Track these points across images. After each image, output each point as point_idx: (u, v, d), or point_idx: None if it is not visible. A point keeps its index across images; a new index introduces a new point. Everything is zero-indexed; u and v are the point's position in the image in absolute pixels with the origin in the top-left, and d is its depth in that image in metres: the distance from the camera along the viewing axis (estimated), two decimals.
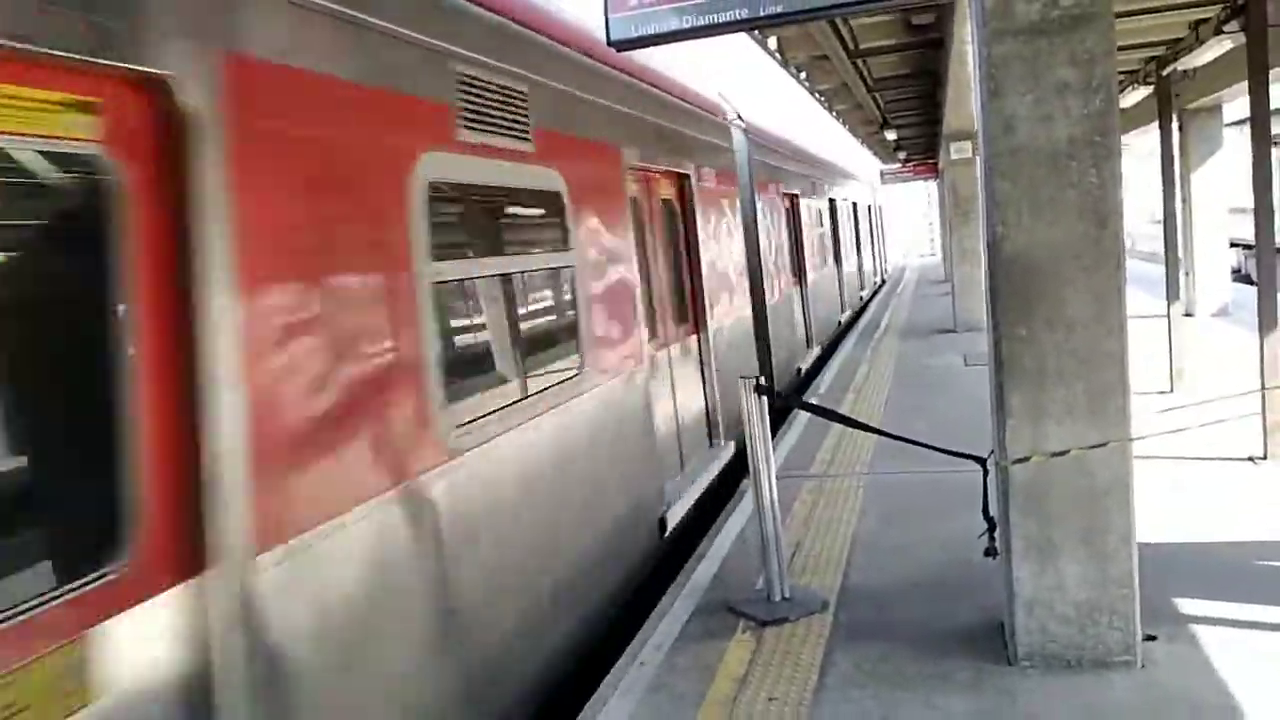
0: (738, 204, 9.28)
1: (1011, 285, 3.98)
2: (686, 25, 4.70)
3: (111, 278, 2.44)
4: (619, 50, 4.93)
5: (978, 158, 4.17)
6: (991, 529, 4.30)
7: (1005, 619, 4.24)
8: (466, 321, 4.39)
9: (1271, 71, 6.68)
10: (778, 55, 12.85)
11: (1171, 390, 9.00)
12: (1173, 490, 6.22)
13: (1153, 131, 10.30)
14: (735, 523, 6.52)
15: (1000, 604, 4.32)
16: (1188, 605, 4.55)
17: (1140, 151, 21.54)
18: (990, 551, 4.31)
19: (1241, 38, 6.99)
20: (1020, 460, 4.01)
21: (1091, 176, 3.88)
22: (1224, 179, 15.57)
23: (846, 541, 5.94)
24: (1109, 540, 3.99)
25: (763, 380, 5.01)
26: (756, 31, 9.68)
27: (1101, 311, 3.91)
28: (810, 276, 13.87)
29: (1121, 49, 10.62)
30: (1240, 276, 19.17)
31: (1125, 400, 3.94)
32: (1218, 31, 7.85)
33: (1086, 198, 3.89)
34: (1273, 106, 6.93)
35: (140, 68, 2.49)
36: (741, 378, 5.02)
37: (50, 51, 2.25)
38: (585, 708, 4.22)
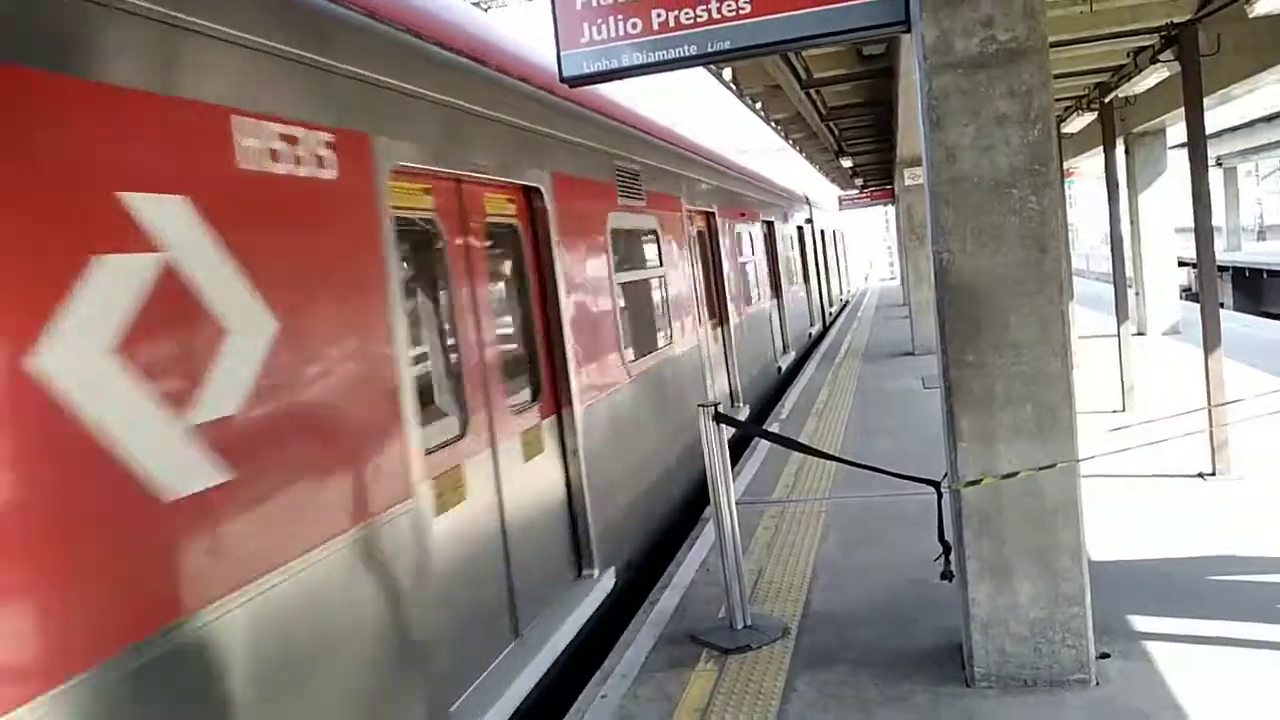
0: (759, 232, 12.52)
1: (958, 310, 4.07)
2: (636, 62, 4.77)
3: (529, 280, 5.49)
4: (571, 86, 4.99)
5: (926, 185, 4.26)
6: (947, 552, 4.36)
7: (963, 640, 4.29)
8: (631, 301, 7.43)
9: (1207, 98, 6.89)
10: (733, 86, 13.03)
11: (1123, 409, 9.18)
12: (1124, 508, 6.34)
13: (1101, 155, 10.55)
14: (699, 551, 6.54)
15: (957, 625, 4.37)
16: (1141, 622, 4.63)
17: (1093, 174, 22.02)
18: (946, 574, 4.36)
19: (1177, 66, 7.21)
20: (972, 483, 4.08)
21: (1032, 204, 3.98)
22: (1170, 200, 15.97)
23: (808, 567, 5.98)
24: (1060, 559, 4.06)
25: (721, 408, 5.05)
26: (711, 65, 9.79)
27: (1045, 334, 4.01)
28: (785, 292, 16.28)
29: (1066, 75, 10.91)
30: (1191, 295, 19.60)
31: (1072, 420, 4.03)
32: (1154, 60, 8.10)
33: (1028, 224, 3.99)
34: (1210, 130, 7.14)
35: (527, 183, 5.40)
36: (700, 405, 5.05)
37: (503, 180, 5.11)
38: None
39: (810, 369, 15.73)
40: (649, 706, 4.40)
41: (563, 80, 4.87)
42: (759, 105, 15.22)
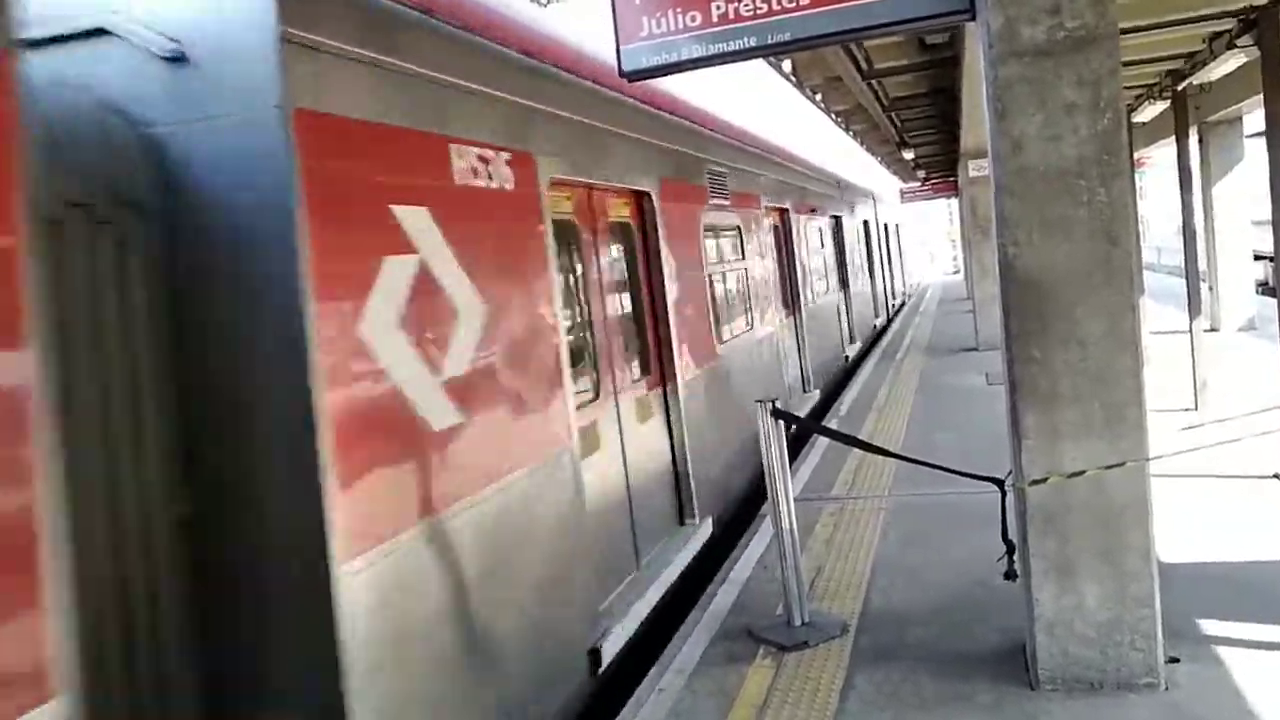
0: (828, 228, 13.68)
1: (1024, 305, 3.99)
2: (696, 55, 4.76)
3: (639, 271, 6.41)
4: (630, 80, 4.98)
5: (990, 177, 4.18)
6: (1010, 551, 4.28)
7: (1026, 641, 4.21)
8: (720, 290, 8.28)
9: None
10: (793, 78, 12.92)
11: (1195, 407, 8.91)
12: (1195, 509, 6.15)
13: (1173, 144, 10.25)
14: (756, 547, 6.51)
15: (1021, 626, 4.29)
16: (1212, 626, 4.50)
17: (1165, 164, 21.41)
18: (1010, 574, 4.28)
19: (1255, 51, 6.96)
20: (1037, 481, 4.00)
21: (1101, 195, 3.88)
22: (1246, 191, 15.45)
23: (867, 565, 5.92)
24: (1129, 559, 3.96)
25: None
26: (771, 56, 9.73)
27: (1114, 329, 3.90)
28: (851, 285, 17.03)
29: (1137, 63, 10.60)
30: (1267, 290, 18.97)
31: (1141, 418, 3.92)
32: (1231, 45, 7.83)
33: (1097, 216, 3.89)
34: None
35: (640, 188, 6.38)
36: (758, 401, 5.03)
37: (622, 186, 6.09)
38: None
39: (871, 365, 15.55)
40: (706, 701, 4.39)
41: (622, 74, 4.87)
42: (819, 97, 15.08)
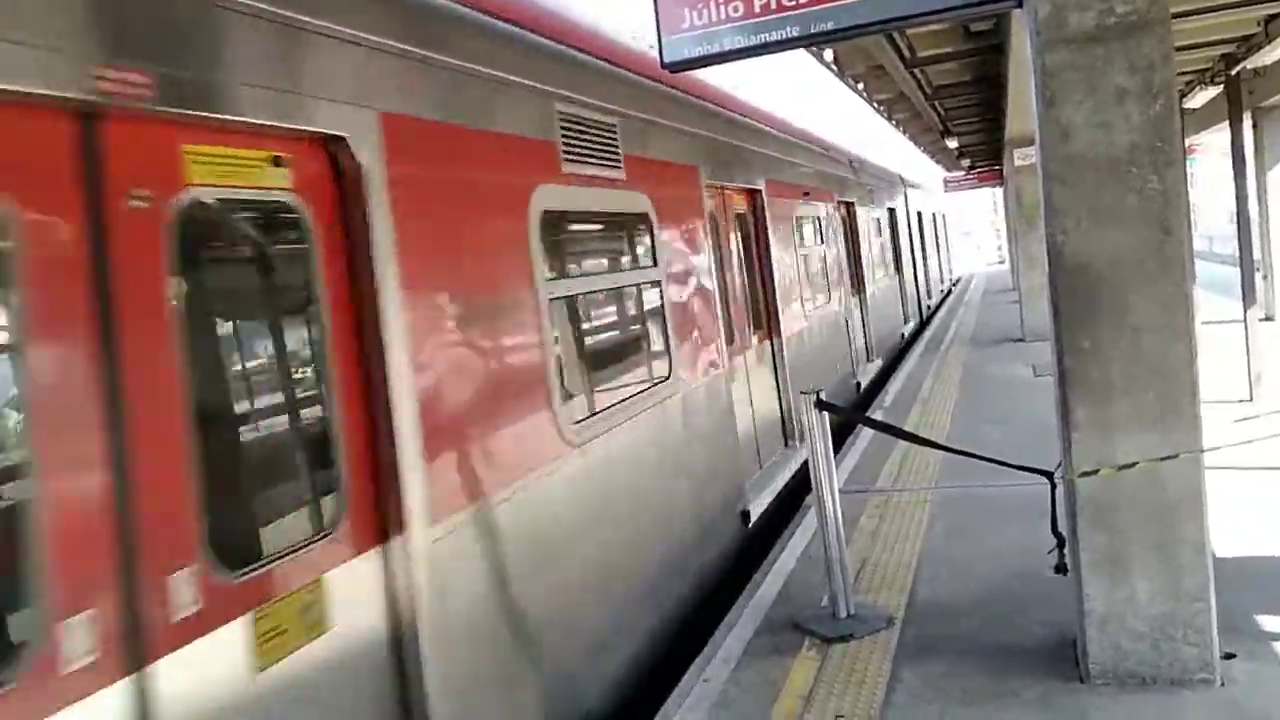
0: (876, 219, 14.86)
1: (1074, 294, 3.93)
2: (738, 45, 4.73)
3: (754, 251, 8.43)
4: (672, 71, 4.98)
5: (1038, 165, 4.12)
6: (1060, 544, 4.23)
7: (1076, 635, 4.16)
8: (807, 269, 9.94)
9: None
10: (834, 68, 12.81)
11: (1250, 398, 8.72)
12: (1251, 502, 6.03)
13: (1227, 130, 10.02)
14: (800, 539, 6.49)
15: (1071, 620, 4.24)
16: (1270, 622, 4.41)
17: (1217, 150, 20.95)
18: (1060, 567, 4.23)
19: None
20: (1088, 473, 3.94)
21: (1153, 183, 3.81)
22: None
23: (913, 557, 5.88)
24: (1182, 553, 3.90)
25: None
26: (813, 46, 9.66)
27: (1168, 319, 3.84)
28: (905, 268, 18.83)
29: (1188, 48, 10.38)
30: None
31: (1196, 409, 3.85)
32: None
33: (1149, 204, 3.82)
34: None
35: (754, 187, 8.40)
36: (802, 392, 5.02)
37: (743, 186, 8.21)
38: None
39: (915, 356, 15.41)
40: (751, 692, 4.40)
41: (663, 66, 4.86)
42: (860, 86, 14.94)
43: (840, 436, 9.15)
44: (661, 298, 5.86)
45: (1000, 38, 10.92)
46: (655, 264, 5.85)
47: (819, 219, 10.78)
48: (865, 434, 9.32)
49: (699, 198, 6.70)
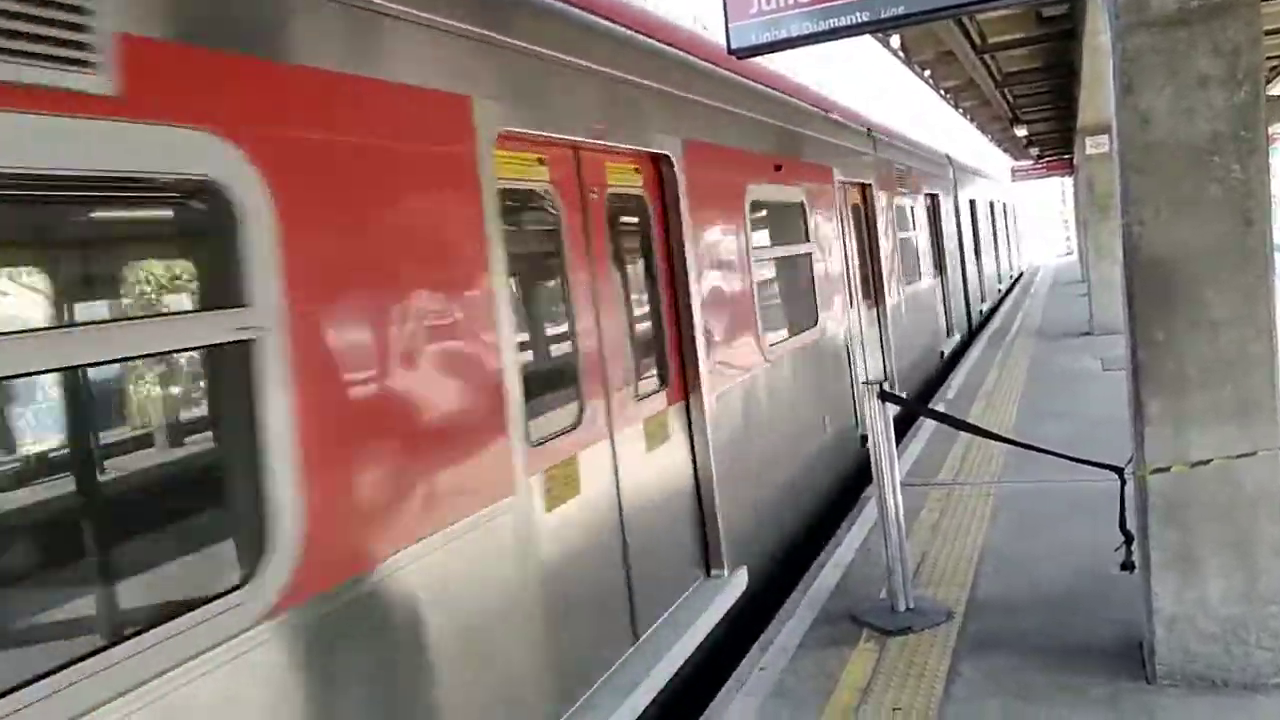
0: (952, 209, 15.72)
1: (1150, 286, 3.83)
2: (806, 31, 4.69)
3: (866, 232, 9.98)
4: (739, 58, 4.94)
5: (1114, 153, 4.01)
6: (1129, 541, 4.14)
7: (1144, 635, 4.07)
8: (905, 250, 11.60)
9: None
10: (901, 54, 12.63)
11: None
12: None
13: None
14: (859, 531, 6.44)
15: (1138, 619, 4.15)
16: None
17: None
18: (1128, 565, 4.14)
19: None
20: (1160, 470, 3.84)
21: (1236, 172, 3.69)
22: None
23: (975, 552, 5.79)
24: (1258, 554, 3.78)
25: (888, 385, 4.95)
26: (882, 32, 9.55)
27: (1249, 311, 3.72)
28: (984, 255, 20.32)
29: (1273, 32, 10.02)
30: None
31: (1275, 405, 3.73)
32: None
33: (1231, 194, 3.70)
34: None
35: (866, 181, 9.96)
36: (865, 383, 4.99)
37: (858, 181, 9.68)
38: (708, 709, 4.25)
39: (978, 349, 15.16)
40: (808, 682, 4.38)
41: (730, 52, 4.83)
42: (927, 73, 14.71)
43: (902, 428, 9.06)
44: (811, 265, 7.65)
45: (1073, 23, 10.67)
46: (809, 240, 7.64)
47: (911, 208, 12.35)
48: (926, 426, 9.20)
49: (833, 192, 8.47)
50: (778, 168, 6.96)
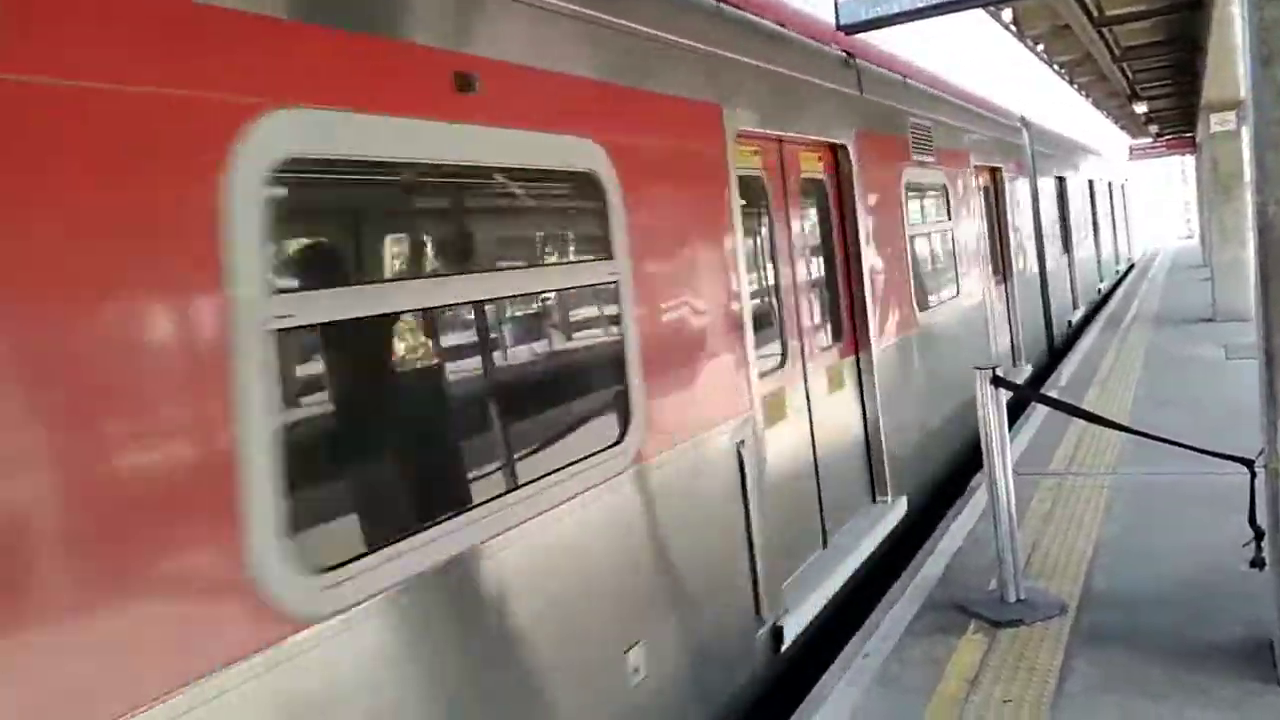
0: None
1: None
2: (917, 5, 4.59)
3: (1019, 212, 12.19)
4: (848, 34, 4.87)
5: (1244, 130, 3.81)
6: (1259, 537, 3.95)
7: (1275, 635, 3.88)
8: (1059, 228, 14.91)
9: None
10: (1013, 28, 12.23)
11: None
12: None
13: None
14: (965, 520, 6.30)
15: (1267, 619, 3.96)
16: None
17: None
18: (1257, 562, 3.96)
19: None
20: None
21: None
22: None
23: (1089, 544, 5.61)
24: None
25: (999, 372, 4.82)
26: (994, 6, 9.27)
27: None
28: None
29: None
30: None
31: None
32: None
33: None
34: None
35: (994, 165, 10.78)
36: (976, 368, 4.86)
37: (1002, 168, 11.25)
38: (809, 695, 4.23)
39: (1092, 335, 14.62)
40: (914, 670, 4.32)
41: (839, 28, 4.77)
42: (1040, 48, 14.20)
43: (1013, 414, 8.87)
44: (954, 241, 8.65)
45: None
46: (949, 218, 8.49)
47: (1039, 192, 13.15)
48: (1037, 414, 8.93)
49: (970, 175, 9.26)
50: (928, 154, 7.75)
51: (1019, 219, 11.65)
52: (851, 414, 6.16)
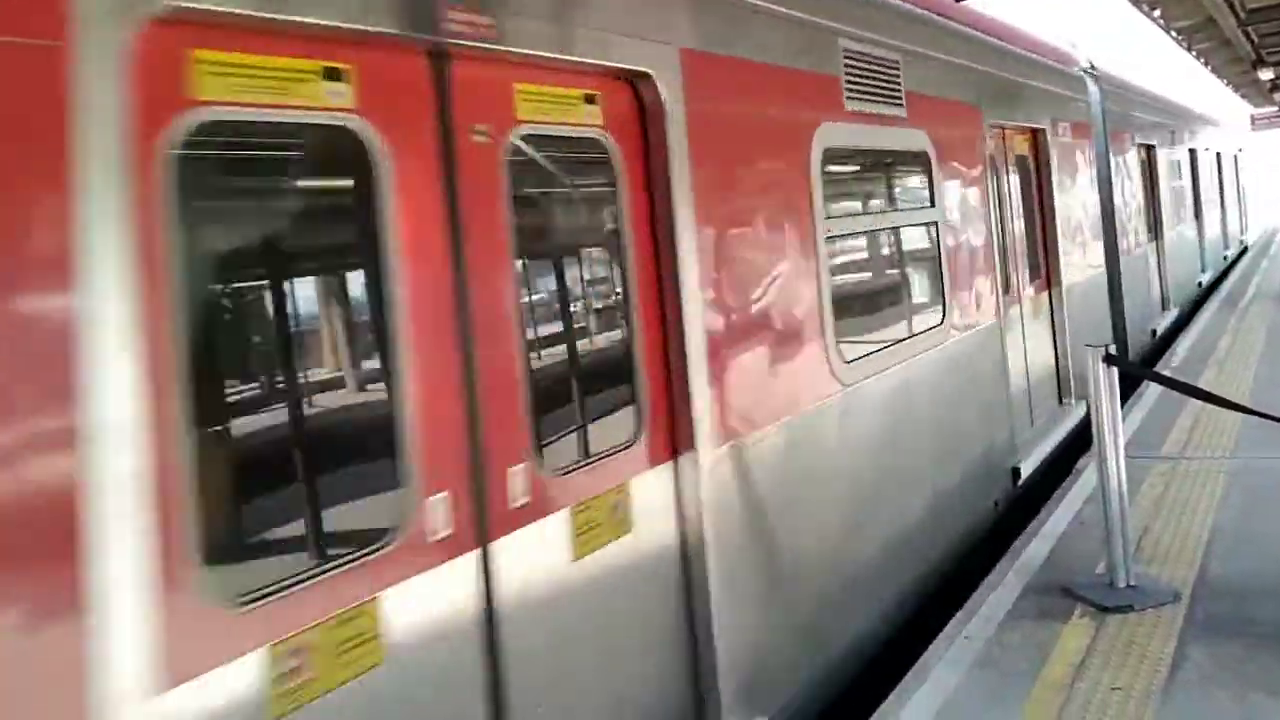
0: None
1: None
2: None
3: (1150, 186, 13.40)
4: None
5: None
6: None
7: None
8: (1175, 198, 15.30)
9: None
10: None
11: None
12: None
13: None
14: (1073, 501, 6.11)
15: None
16: None
17: None
18: None
19: None
20: None
21: None
22: None
23: (1204, 530, 5.38)
24: None
25: (1113, 349, 4.64)
26: None
27: None
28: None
29: None
30: None
31: None
32: None
33: None
34: None
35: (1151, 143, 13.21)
36: (1089, 346, 4.69)
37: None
38: (907, 675, 4.16)
39: (1207, 314, 13.98)
40: (1017, 653, 4.21)
41: None
42: (1156, 12, 13.53)
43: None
44: (1130, 201, 10.88)
45: None
46: (1117, 189, 10.22)
47: (1157, 168, 13.49)
48: (1149, 394, 8.59)
49: (1135, 151, 11.24)
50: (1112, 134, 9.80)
51: (1167, 188, 13.33)
52: (1046, 335, 7.93)
